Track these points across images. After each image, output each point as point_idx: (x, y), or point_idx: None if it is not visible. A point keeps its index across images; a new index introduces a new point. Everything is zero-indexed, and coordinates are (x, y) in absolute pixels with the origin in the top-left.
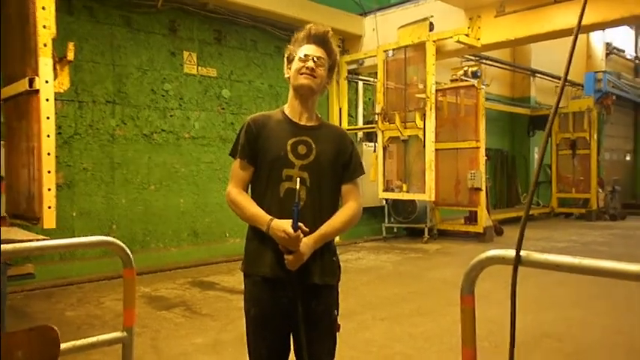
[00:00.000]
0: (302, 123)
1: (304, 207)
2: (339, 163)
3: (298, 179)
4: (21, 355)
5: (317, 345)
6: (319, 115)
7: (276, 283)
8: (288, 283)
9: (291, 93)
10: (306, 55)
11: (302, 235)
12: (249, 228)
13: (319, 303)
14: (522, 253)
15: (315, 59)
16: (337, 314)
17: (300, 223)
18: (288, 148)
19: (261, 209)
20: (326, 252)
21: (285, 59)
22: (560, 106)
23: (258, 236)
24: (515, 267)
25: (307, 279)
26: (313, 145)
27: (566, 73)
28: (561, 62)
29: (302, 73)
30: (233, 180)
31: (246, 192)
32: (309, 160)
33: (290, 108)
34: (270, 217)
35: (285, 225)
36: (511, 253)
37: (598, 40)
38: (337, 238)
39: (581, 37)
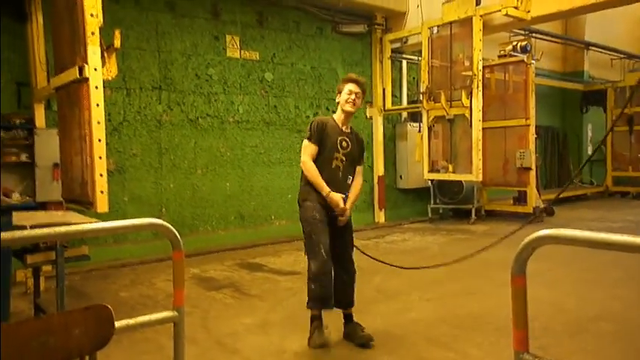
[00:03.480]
0: (344, 129)
1: (342, 174)
2: (358, 153)
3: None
4: (78, 333)
5: (347, 236)
6: (350, 125)
7: (325, 207)
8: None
9: (339, 109)
10: (350, 91)
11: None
12: (306, 181)
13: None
14: (571, 231)
15: (356, 94)
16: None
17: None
18: (338, 142)
19: (323, 180)
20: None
21: (337, 91)
22: (615, 79)
23: (313, 186)
24: None
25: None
26: (349, 143)
27: None
28: (618, 34)
29: (348, 102)
30: (306, 153)
31: (313, 162)
32: (347, 151)
33: (338, 118)
34: (329, 189)
35: (339, 198)
36: (564, 232)
37: None
38: (383, 220)
39: (638, 5)
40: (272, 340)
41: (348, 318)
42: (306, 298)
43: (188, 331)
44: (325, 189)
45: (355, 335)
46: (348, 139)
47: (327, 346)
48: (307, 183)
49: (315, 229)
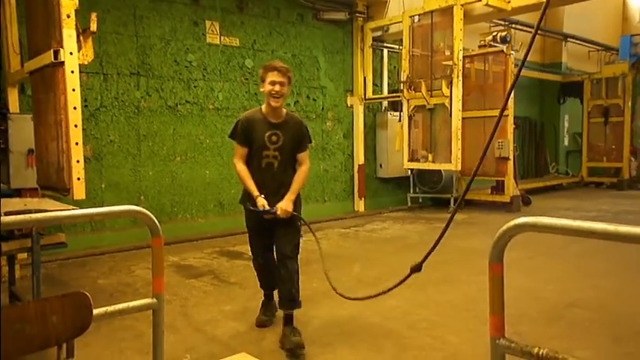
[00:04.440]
0: (274, 121)
1: (277, 170)
2: (296, 142)
3: (262, 197)
4: (55, 320)
5: (285, 236)
6: (285, 111)
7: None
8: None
9: (266, 101)
10: (273, 81)
11: (276, 207)
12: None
13: (287, 219)
14: (549, 219)
15: (279, 83)
16: (300, 223)
17: (269, 208)
18: (266, 138)
19: (253, 183)
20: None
21: (260, 79)
22: (592, 71)
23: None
24: None
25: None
26: (281, 135)
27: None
28: (595, 27)
29: (272, 96)
30: (237, 155)
31: (244, 162)
32: (279, 145)
33: (266, 110)
34: (257, 193)
35: (261, 204)
36: (542, 220)
37: (635, 1)
38: (362, 209)
39: None
40: (252, 327)
41: (285, 319)
42: None
43: (167, 319)
44: (254, 192)
45: (286, 340)
46: (279, 132)
47: (265, 326)
48: (245, 190)
49: (249, 234)
